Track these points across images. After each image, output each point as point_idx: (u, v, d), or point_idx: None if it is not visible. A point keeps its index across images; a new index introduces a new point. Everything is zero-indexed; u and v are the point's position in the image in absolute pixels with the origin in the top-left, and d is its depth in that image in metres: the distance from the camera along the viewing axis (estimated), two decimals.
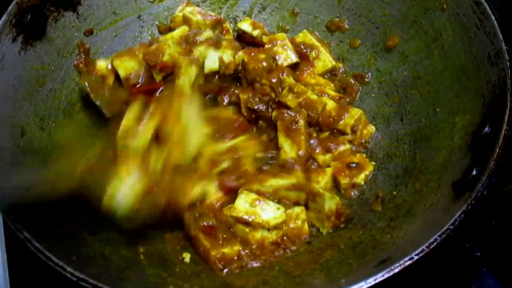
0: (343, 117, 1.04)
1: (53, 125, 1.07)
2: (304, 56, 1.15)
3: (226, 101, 1.11)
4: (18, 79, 1.03)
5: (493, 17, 0.93)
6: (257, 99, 1.06)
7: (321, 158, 1.06)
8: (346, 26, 1.22)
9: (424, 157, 1.01)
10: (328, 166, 1.06)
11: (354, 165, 1.04)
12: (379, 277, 0.73)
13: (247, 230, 0.93)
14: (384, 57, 1.17)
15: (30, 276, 1.01)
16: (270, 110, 1.08)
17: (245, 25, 1.21)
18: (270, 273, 0.92)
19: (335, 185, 1.06)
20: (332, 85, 1.15)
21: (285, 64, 1.12)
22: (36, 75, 1.07)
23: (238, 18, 1.30)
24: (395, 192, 1.00)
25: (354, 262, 0.90)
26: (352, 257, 0.92)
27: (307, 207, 1.00)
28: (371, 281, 0.73)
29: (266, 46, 1.14)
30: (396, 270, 0.74)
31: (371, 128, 1.11)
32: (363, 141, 1.10)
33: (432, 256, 0.76)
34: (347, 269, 0.89)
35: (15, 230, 0.79)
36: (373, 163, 1.07)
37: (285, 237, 0.97)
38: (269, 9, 1.28)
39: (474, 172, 0.84)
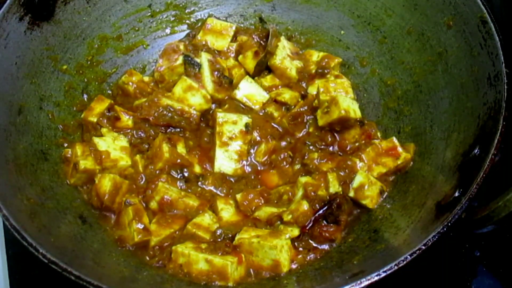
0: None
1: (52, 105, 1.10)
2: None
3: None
4: (22, 58, 1.05)
5: (497, 37, 0.93)
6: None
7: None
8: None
9: (415, 173, 1.03)
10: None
11: None
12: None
13: None
14: (389, 68, 1.18)
15: (29, 276, 1.04)
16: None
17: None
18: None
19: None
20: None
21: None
22: (40, 56, 1.10)
23: None
24: (386, 205, 1.02)
25: (329, 272, 0.92)
26: (329, 266, 0.94)
27: None
28: None
29: None
30: (363, 285, 0.75)
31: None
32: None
33: (432, 256, 0.79)
34: (321, 277, 0.91)
35: None
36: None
37: None
38: None
39: (456, 194, 0.84)
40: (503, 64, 0.90)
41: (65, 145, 1.09)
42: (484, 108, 0.92)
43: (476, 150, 0.88)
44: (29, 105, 1.06)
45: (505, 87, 0.88)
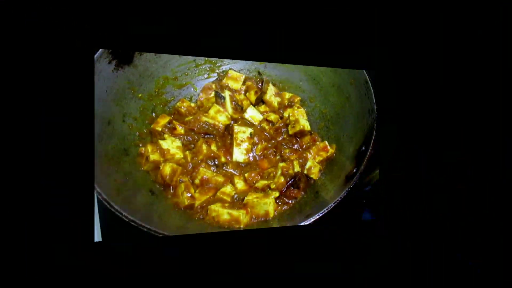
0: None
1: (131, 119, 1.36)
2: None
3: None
4: (110, 88, 1.32)
5: (372, 90, 1.32)
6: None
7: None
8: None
9: (336, 160, 1.44)
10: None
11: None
12: (306, 223, 1.10)
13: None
14: (323, 103, 1.56)
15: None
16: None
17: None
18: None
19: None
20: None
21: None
22: (123, 87, 1.37)
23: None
24: (322, 177, 1.40)
25: (294, 215, 1.27)
26: (294, 212, 1.30)
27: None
28: (301, 224, 1.09)
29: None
30: (312, 220, 1.11)
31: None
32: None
33: (348, 203, 1.09)
34: (290, 218, 1.26)
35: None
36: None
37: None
38: None
39: (354, 170, 1.24)
40: (375, 104, 1.28)
41: (140, 145, 1.38)
42: (367, 126, 1.30)
43: (363, 148, 1.27)
44: (115, 119, 1.33)
45: (376, 115, 1.27)
